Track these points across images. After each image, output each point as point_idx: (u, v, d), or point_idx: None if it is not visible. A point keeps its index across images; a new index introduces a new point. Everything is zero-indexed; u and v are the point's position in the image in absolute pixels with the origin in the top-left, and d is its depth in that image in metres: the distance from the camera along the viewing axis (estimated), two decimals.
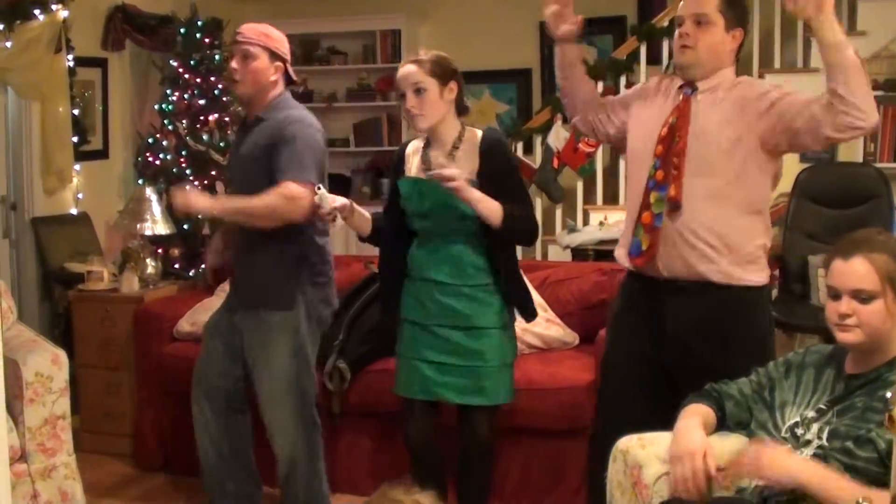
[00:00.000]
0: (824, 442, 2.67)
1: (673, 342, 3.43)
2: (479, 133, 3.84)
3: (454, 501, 4.04)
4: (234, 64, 4.04)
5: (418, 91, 3.76)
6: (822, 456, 2.65)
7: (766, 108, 3.31)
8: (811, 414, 2.77)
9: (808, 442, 2.72)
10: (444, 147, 3.81)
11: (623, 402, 3.55)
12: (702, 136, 3.35)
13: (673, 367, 3.45)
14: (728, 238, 3.35)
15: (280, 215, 3.87)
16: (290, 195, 3.84)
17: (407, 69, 3.80)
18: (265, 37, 4.07)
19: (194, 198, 3.97)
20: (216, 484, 4.35)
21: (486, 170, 3.75)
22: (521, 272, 4.04)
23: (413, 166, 3.89)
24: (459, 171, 3.61)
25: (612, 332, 3.77)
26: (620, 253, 3.60)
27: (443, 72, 3.79)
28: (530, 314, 4.00)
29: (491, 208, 3.66)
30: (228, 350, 4.21)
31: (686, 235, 3.35)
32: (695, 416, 2.90)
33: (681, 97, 3.43)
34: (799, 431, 2.76)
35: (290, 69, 4.18)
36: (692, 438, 2.82)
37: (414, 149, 3.93)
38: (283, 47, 4.12)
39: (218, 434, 4.31)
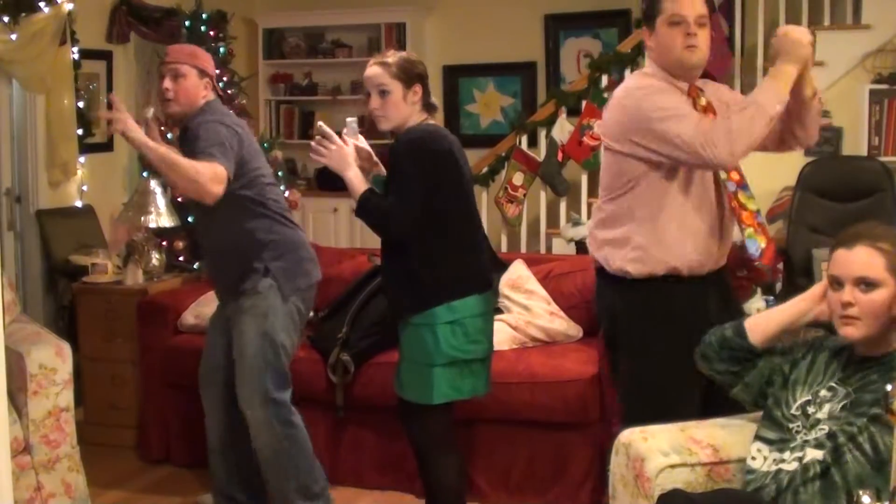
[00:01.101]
0: (833, 421, 2.67)
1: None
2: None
3: None
4: (165, 84, 4.14)
5: (382, 93, 3.78)
6: (832, 436, 2.65)
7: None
8: (824, 393, 2.77)
9: (818, 422, 2.71)
10: None
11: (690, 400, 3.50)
12: None
13: None
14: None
15: (198, 187, 3.88)
16: (217, 176, 3.89)
17: (373, 70, 3.81)
18: (192, 56, 4.22)
19: (132, 124, 3.98)
20: (219, 485, 4.42)
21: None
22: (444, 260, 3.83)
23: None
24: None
25: (672, 354, 3.43)
26: (687, 261, 3.43)
27: (408, 75, 3.80)
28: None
29: (355, 188, 3.78)
30: (226, 343, 4.25)
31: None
32: None
33: (703, 99, 3.45)
34: (810, 410, 2.76)
35: (217, 86, 4.34)
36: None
37: None
38: (210, 65, 4.27)
39: (221, 429, 4.34)
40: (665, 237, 3.36)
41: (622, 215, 3.42)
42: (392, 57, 3.82)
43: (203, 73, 4.19)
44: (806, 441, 2.70)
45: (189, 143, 4.05)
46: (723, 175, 3.39)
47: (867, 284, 2.70)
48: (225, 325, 4.27)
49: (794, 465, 2.68)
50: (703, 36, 3.38)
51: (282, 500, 4.23)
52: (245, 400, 4.15)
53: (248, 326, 4.13)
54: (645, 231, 3.38)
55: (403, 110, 3.80)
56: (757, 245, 3.43)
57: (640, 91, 3.41)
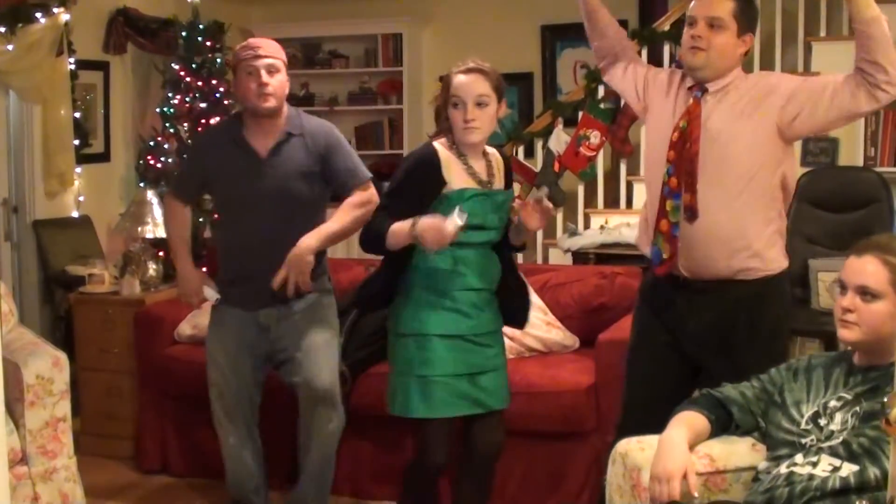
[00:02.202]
0: (848, 431, 2.67)
1: (692, 339, 3.51)
2: (497, 152, 3.84)
3: None
4: (263, 78, 4.05)
5: (480, 104, 3.63)
6: (847, 445, 2.65)
7: (787, 98, 3.37)
8: (834, 403, 2.77)
9: (832, 433, 2.71)
10: (481, 159, 3.75)
11: (646, 392, 3.57)
12: (717, 139, 3.39)
13: (695, 357, 3.55)
14: (747, 234, 3.41)
15: (362, 222, 4.00)
16: (370, 199, 4.10)
17: (473, 78, 3.63)
18: (281, 51, 4.18)
19: (303, 248, 4.07)
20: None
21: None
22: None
23: (454, 174, 3.68)
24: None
25: (635, 326, 3.76)
26: (641, 240, 3.65)
27: (502, 88, 3.70)
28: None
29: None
30: (255, 362, 4.35)
31: (706, 239, 3.40)
32: (681, 428, 2.90)
33: (691, 100, 3.45)
34: (822, 421, 2.76)
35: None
36: (673, 457, 2.81)
37: (445, 155, 3.70)
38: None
39: (256, 459, 4.40)
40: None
41: None
42: (486, 66, 3.68)
43: (287, 69, 4.20)
44: (821, 448, 2.71)
45: (321, 156, 4.14)
46: (664, 177, 3.42)
47: (868, 294, 2.71)
48: (255, 340, 4.22)
49: (807, 469, 2.68)
50: (710, 38, 3.38)
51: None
52: (330, 394, 4.20)
53: (323, 324, 4.24)
54: None
55: (494, 125, 3.69)
56: (658, 252, 3.46)
57: None
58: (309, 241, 4.06)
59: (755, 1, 3.60)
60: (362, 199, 4.14)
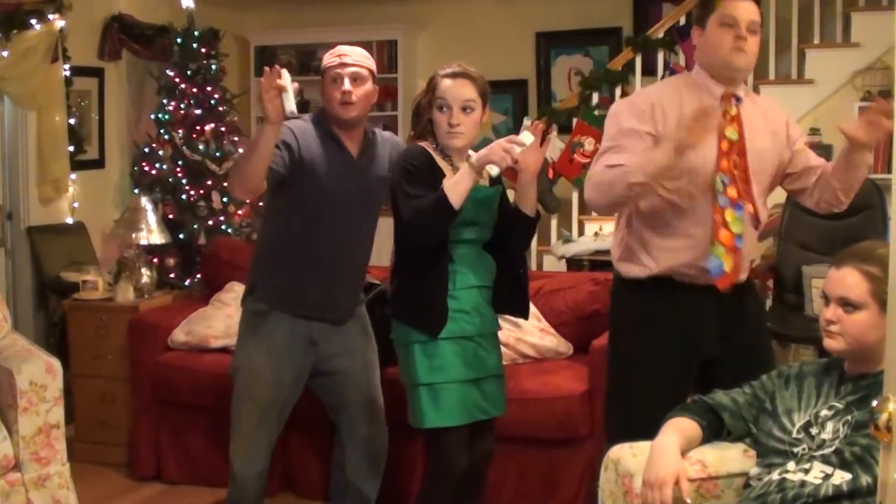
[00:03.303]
0: (840, 440, 2.67)
1: (712, 339, 3.50)
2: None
3: None
4: (345, 86, 3.96)
5: (466, 109, 3.63)
6: (839, 453, 2.65)
7: (791, 144, 3.54)
8: (825, 412, 2.78)
9: (824, 442, 2.72)
10: (464, 163, 3.71)
11: (660, 404, 3.53)
12: (757, 148, 3.44)
13: (713, 356, 3.52)
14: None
15: None
16: None
17: (461, 83, 3.64)
18: (369, 59, 4.09)
19: None
20: None
21: None
22: None
23: (448, 174, 3.68)
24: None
25: (647, 341, 3.57)
26: (624, 256, 3.58)
27: (487, 93, 3.70)
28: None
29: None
30: (296, 373, 4.25)
31: (752, 242, 3.54)
32: (673, 434, 2.90)
33: (734, 109, 3.43)
34: (813, 431, 2.76)
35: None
36: (665, 463, 2.81)
37: (433, 154, 3.72)
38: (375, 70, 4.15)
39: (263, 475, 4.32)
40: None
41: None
42: (472, 70, 3.68)
43: (374, 78, 4.10)
44: (813, 456, 2.71)
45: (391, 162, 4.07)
46: (719, 186, 3.38)
47: (849, 305, 2.72)
48: (302, 353, 4.11)
49: (799, 476, 2.68)
50: (752, 42, 3.39)
51: None
52: (380, 407, 4.24)
53: (372, 338, 4.27)
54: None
55: (477, 130, 3.70)
56: (719, 264, 3.38)
57: (616, 106, 3.54)
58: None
59: None
60: None
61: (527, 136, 3.50)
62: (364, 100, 3.99)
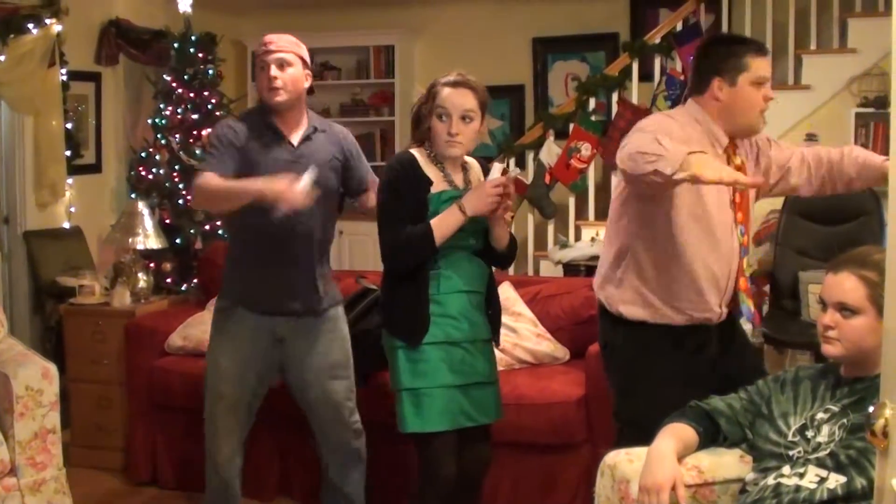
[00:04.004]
0: (835, 443, 2.67)
1: (729, 361, 3.59)
2: (474, 161, 3.85)
3: None
4: (272, 72, 4.01)
5: (465, 118, 3.62)
6: (834, 456, 2.65)
7: (770, 165, 3.58)
8: (821, 415, 2.78)
9: (819, 445, 2.72)
10: (458, 168, 3.76)
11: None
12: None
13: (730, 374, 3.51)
14: None
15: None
16: None
17: (462, 92, 3.62)
18: (296, 45, 4.14)
19: None
20: None
21: None
22: None
23: (436, 181, 3.69)
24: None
25: (670, 374, 3.55)
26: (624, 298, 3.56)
27: (487, 103, 3.69)
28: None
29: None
30: (259, 374, 4.27)
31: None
32: (670, 439, 2.90)
33: (738, 159, 3.47)
34: (809, 434, 2.76)
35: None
36: (663, 468, 2.81)
37: (423, 161, 3.71)
38: (308, 56, 4.20)
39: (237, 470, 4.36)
40: None
41: None
42: (474, 80, 3.67)
43: (305, 63, 4.15)
44: (808, 460, 2.71)
45: (345, 155, 4.19)
46: (739, 239, 3.48)
47: (846, 310, 2.72)
48: (266, 350, 4.15)
49: (794, 481, 2.68)
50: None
51: None
52: (352, 416, 4.23)
53: (344, 340, 4.25)
54: None
55: (476, 140, 3.69)
56: (749, 309, 3.49)
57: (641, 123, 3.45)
58: None
59: None
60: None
61: (498, 168, 3.60)
62: (292, 84, 4.04)
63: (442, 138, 3.63)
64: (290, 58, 4.06)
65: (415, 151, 3.72)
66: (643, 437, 3.02)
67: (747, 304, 3.48)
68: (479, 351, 3.76)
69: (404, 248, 3.62)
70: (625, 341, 3.57)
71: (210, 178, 3.89)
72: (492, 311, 3.85)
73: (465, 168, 3.78)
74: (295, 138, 4.09)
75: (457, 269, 3.69)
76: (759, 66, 3.35)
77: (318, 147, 4.11)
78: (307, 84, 4.13)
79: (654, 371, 3.51)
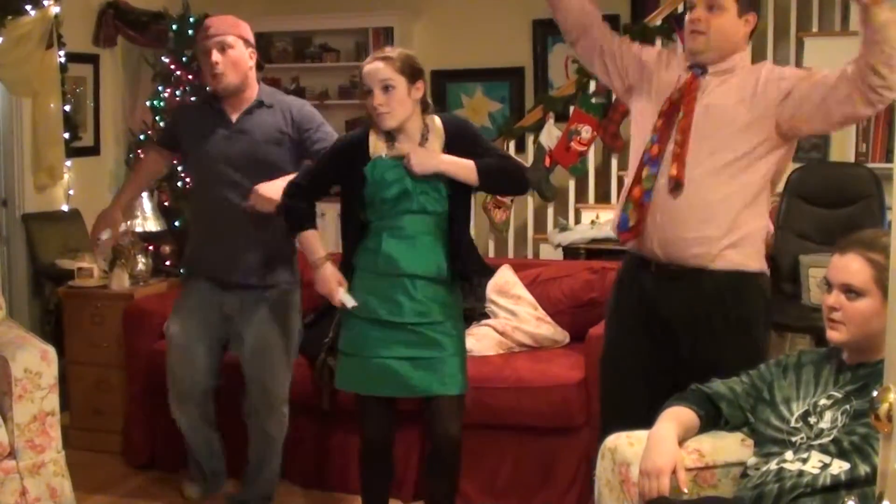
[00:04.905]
0: (838, 429, 2.66)
1: (664, 327, 3.45)
2: (437, 119, 3.85)
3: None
4: (213, 58, 4.11)
5: (386, 88, 3.68)
6: (837, 442, 2.65)
7: (785, 94, 3.30)
8: (823, 401, 2.77)
9: (822, 431, 2.71)
10: (413, 140, 3.78)
11: (622, 392, 3.55)
12: (713, 113, 3.34)
13: (668, 342, 3.46)
14: (729, 219, 3.33)
15: None
16: None
17: (375, 65, 3.70)
18: (235, 26, 4.20)
19: None
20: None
21: (457, 151, 3.77)
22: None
23: (379, 153, 3.79)
24: (410, 146, 3.72)
25: (609, 314, 3.71)
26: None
27: (412, 70, 3.73)
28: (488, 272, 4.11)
29: (464, 165, 3.73)
30: (208, 348, 4.49)
31: (686, 215, 3.33)
32: (670, 423, 2.89)
33: (689, 74, 3.41)
34: (812, 420, 2.76)
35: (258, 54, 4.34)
36: (662, 453, 2.81)
37: (374, 139, 3.80)
38: (251, 35, 4.28)
39: (205, 444, 4.66)
40: None
41: None
42: (393, 52, 3.75)
43: (247, 42, 4.20)
44: (811, 446, 2.70)
45: (296, 128, 4.23)
46: (647, 144, 3.42)
47: (852, 292, 2.71)
48: (216, 325, 4.33)
49: (797, 466, 2.67)
50: (710, 20, 3.35)
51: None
52: (275, 395, 4.30)
53: (283, 325, 4.33)
54: None
55: (408, 106, 3.72)
56: (626, 218, 3.41)
57: None
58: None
59: None
60: None
61: (347, 298, 3.79)
62: (232, 66, 4.13)
63: (372, 114, 3.73)
64: (229, 40, 4.14)
65: (371, 134, 3.82)
66: None
67: (626, 213, 3.42)
68: (426, 329, 3.77)
69: (286, 194, 3.90)
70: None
71: (153, 153, 4.54)
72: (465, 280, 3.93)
73: (424, 137, 3.81)
74: (235, 115, 4.23)
75: (398, 247, 3.76)
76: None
77: (258, 122, 4.22)
78: (251, 62, 4.22)
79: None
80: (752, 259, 3.40)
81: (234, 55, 4.13)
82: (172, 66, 6.67)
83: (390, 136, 3.78)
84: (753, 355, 3.20)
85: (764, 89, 3.34)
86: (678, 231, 3.35)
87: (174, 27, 6.74)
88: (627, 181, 3.49)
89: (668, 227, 3.36)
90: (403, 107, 3.71)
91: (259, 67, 4.29)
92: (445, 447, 3.85)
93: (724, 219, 3.33)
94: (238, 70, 4.15)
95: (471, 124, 4.08)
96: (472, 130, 3.97)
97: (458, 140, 3.80)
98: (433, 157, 3.72)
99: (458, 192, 3.79)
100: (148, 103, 6.81)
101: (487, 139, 4.02)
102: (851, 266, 2.72)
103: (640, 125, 3.52)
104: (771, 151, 3.36)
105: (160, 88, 6.70)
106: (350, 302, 3.75)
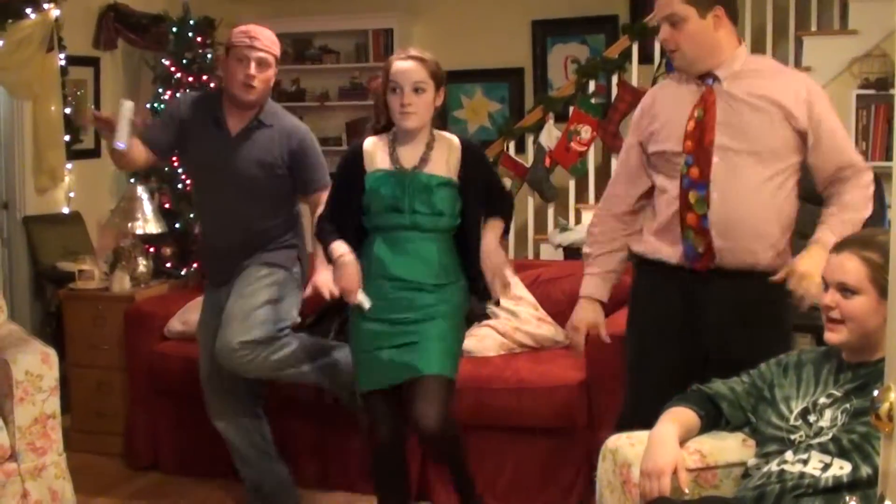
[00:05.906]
0: (837, 428, 2.67)
1: (696, 329, 3.43)
2: (455, 139, 3.87)
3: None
4: (251, 70, 4.12)
5: (417, 90, 3.71)
6: (837, 441, 2.65)
7: (810, 125, 3.38)
8: (823, 400, 2.77)
9: (821, 430, 2.71)
10: (418, 146, 3.80)
11: (657, 396, 3.51)
12: (736, 123, 3.32)
13: (708, 357, 3.43)
14: (772, 226, 3.36)
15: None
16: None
17: (409, 65, 3.72)
18: (276, 45, 4.26)
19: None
20: None
21: (471, 175, 3.81)
22: None
23: (377, 161, 3.82)
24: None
25: (634, 322, 3.70)
26: (649, 247, 3.54)
27: (439, 77, 3.78)
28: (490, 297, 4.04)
29: (499, 233, 3.89)
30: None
31: (747, 222, 3.33)
32: (671, 424, 2.90)
33: (703, 88, 3.38)
34: (811, 418, 2.76)
35: None
36: (663, 453, 2.81)
37: (373, 144, 3.85)
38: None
39: (238, 431, 4.62)
40: None
41: None
42: (425, 55, 3.78)
43: (278, 62, 4.29)
44: (811, 445, 2.71)
45: (292, 151, 4.28)
46: (682, 168, 3.36)
47: (847, 290, 2.71)
48: (217, 322, 4.31)
49: (798, 467, 2.68)
50: (676, 37, 3.34)
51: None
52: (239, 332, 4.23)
53: (264, 280, 4.32)
54: None
55: (430, 112, 3.78)
56: (694, 249, 3.37)
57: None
58: None
59: None
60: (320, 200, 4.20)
61: (364, 297, 3.77)
62: (264, 84, 4.20)
63: (396, 111, 3.74)
64: (270, 59, 4.21)
65: (369, 139, 3.87)
66: None
67: (691, 242, 3.41)
68: (410, 316, 3.80)
69: (316, 226, 3.99)
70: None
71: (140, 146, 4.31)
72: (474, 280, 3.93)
73: (429, 146, 3.82)
74: (236, 128, 4.25)
75: (390, 254, 3.79)
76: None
77: (255, 142, 4.25)
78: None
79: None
80: (783, 258, 3.41)
81: (269, 74, 4.21)
82: (173, 69, 6.66)
83: (393, 141, 3.81)
84: (784, 350, 3.19)
85: (794, 104, 3.36)
86: (740, 241, 3.35)
87: (174, 30, 6.73)
88: (666, 209, 3.45)
89: (728, 236, 3.34)
90: (428, 111, 3.77)
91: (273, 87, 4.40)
92: (427, 434, 3.73)
93: (767, 226, 3.36)
94: (266, 88, 4.23)
95: (485, 153, 4.22)
96: (487, 160, 4.13)
97: (475, 164, 3.87)
98: (501, 255, 3.87)
99: (467, 208, 3.85)
100: (148, 106, 6.81)
101: (496, 172, 4.16)
102: (846, 265, 2.73)
103: (665, 147, 3.47)
104: (794, 154, 3.42)
105: (160, 91, 6.70)
106: (367, 303, 3.76)
